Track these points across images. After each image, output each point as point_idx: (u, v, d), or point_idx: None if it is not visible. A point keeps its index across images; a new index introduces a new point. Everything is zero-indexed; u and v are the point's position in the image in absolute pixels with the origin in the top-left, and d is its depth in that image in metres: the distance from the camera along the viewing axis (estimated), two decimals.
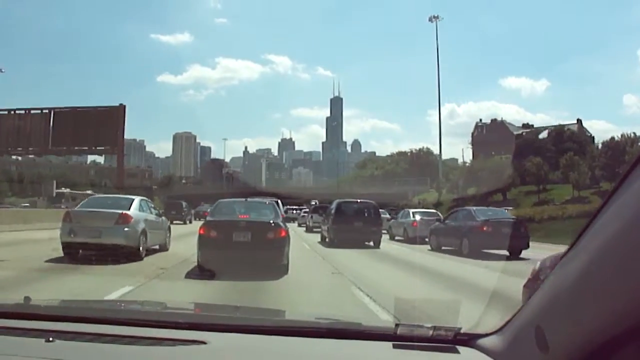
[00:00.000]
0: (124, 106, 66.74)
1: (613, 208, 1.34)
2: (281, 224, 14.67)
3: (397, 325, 2.12)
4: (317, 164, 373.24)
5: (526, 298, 4.69)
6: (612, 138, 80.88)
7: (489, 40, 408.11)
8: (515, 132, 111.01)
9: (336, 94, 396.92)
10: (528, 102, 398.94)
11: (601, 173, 72.36)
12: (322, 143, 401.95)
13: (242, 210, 15.53)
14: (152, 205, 20.42)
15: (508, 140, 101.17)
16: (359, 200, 30.09)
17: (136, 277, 12.43)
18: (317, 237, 31.03)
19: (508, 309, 1.95)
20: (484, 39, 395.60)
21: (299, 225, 51.96)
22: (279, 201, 24.22)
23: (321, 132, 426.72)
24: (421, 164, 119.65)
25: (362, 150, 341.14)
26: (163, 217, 21.05)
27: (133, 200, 18.32)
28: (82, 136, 63.45)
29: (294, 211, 62.81)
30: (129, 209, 17.33)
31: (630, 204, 1.28)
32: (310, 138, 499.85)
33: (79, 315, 2.43)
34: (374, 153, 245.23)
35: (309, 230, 41.68)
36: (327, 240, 27.40)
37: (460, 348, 2.03)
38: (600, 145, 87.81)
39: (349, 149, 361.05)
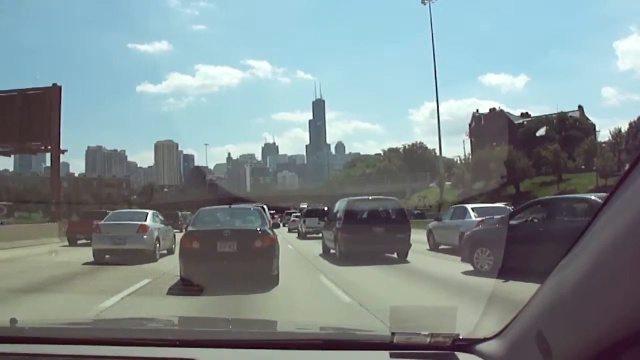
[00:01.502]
0: (60, 87, 53.10)
1: (615, 207, 1.31)
2: (269, 231, 13.87)
3: (393, 333, 2.05)
4: (302, 167, 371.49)
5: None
6: None
7: (467, 38, 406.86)
8: (515, 122, 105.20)
9: (318, 96, 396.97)
10: (508, 98, 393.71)
11: (629, 157, 66.27)
12: (306, 146, 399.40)
13: (227, 218, 14.94)
14: (161, 217, 23.99)
15: (509, 130, 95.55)
16: (375, 198, 23.55)
17: (153, 273, 15.18)
18: (314, 247, 25.43)
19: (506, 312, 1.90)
20: (462, 36, 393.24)
21: (290, 230, 48.45)
22: (265, 207, 21.55)
23: (304, 136, 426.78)
24: (415, 160, 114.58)
25: (347, 152, 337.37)
26: (169, 226, 24.48)
27: (147, 213, 22.58)
28: (0, 130, 49.61)
29: (281, 216, 61.99)
30: (146, 220, 21.53)
31: (632, 203, 1.24)
32: (293, 142, 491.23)
33: (64, 336, 2.36)
34: (359, 154, 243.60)
35: (302, 236, 37.80)
36: (332, 252, 21.04)
37: (459, 354, 1.99)
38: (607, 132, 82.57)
39: (333, 151, 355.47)
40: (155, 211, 23.97)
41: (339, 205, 21.70)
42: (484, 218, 19.15)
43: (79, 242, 31.42)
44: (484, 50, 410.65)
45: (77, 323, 3.97)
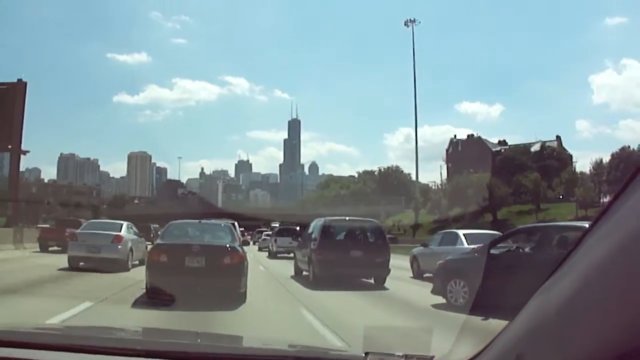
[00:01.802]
0: (25, 83, 50.01)
1: (601, 231, 1.28)
2: (238, 248, 13.88)
3: (366, 354, 2.01)
4: (275, 186, 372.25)
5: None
6: (624, 148, 75.18)
7: (444, 65, 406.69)
8: (493, 149, 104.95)
9: (294, 116, 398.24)
10: (484, 126, 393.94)
11: (610, 188, 65.74)
12: (280, 165, 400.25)
13: (196, 233, 14.77)
14: (134, 229, 24.87)
15: (486, 157, 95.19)
16: (353, 218, 22.21)
17: (124, 282, 15.70)
18: (286, 267, 24.52)
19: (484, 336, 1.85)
20: (438, 63, 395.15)
21: (260, 249, 47.35)
22: (236, 223, 23.27)
23: (278, 155, 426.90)
24: (390, 183, 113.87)
25: (320, 173, 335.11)
26: (143, 238, 25.44)
27: (122, 224, 23.27)
28: None
29: (252, 234, 61.57)
30: (120, 230, 22.31)
31: (624, 222, 1.21)
32: (267, 160, 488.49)
33: (33, 341, 2.29)
34: (331, 175, 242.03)
35: (273, 256, 36.92)
36: (305, 274, 19.94)
37: None
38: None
39: (306, 171, 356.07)
40: (129, 223, 24.70)
41: (315, 225, 20.38)
42: (476, 246, 15.53)
43: (50, 248, 32.31)
44: (460, 78, 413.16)
45: (46, 328, 3.98)
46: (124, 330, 3.42)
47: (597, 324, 1.20)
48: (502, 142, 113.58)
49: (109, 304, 12.48)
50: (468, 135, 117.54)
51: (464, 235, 20.78)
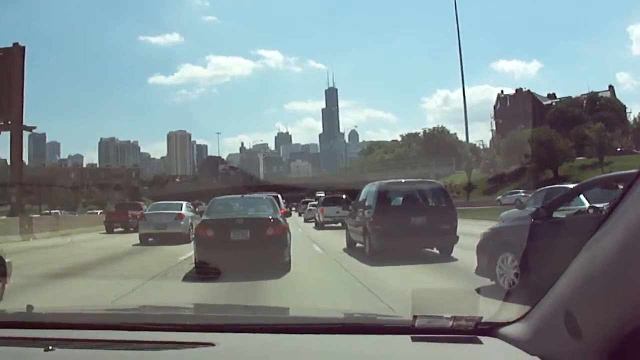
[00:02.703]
0: (23, 48, 44.25)
1: None
2: (281, 219, 14.23)
3: (415, 317, 2.00)
4: (315, 156, 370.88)
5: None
6: None
7: (480, 24, 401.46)
8: (544, 103, 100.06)
9: (330, 85, 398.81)
10: (521, 84, 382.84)
11: None
12: (319, 135, 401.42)
13: (239, 207, 15.32)
14: (191, 207, 28.83)
15: (537, 111, 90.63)
16: (411, 180, 19.65)
17: (189, 252, 15.54)
18: (334, 239, 22.96)
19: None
20: (474, 23, 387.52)
21: (306, 220, 44.88)
22: (279, 196, 25.45)
23: (317, 125, 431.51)
24: (435, 145, 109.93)
25: (360, 140, 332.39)
26: (198, 214, 25.96)
27: (182, 204, 27.46)
28: None
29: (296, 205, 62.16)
30: (181, 209, 26.39)
31: None
32: (306, 131, 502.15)
33: (80, 322, 2.35)
34: (372, 142, 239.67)
35: (320, 226, 34.99)
36: (359, 246, 17.75)
37: (482, 338, 1.94)
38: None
39: (346, 139, 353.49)
40: (188, 202, 28.92)
41: (367, 191, 18.17)
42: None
43: (115, 230, 36.26)
44: (497, 36, 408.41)
45: (94, 308, 3.99)
46: (173, 307, 3.46)
47: None
48: (552, 96, 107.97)
49: (163, 279, 13.23)
50: (517, 90, 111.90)
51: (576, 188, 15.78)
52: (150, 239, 24.65)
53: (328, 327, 2.16)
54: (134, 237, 25.87)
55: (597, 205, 9.41)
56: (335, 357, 1.89)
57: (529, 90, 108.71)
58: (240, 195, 17.12)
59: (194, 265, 13.54)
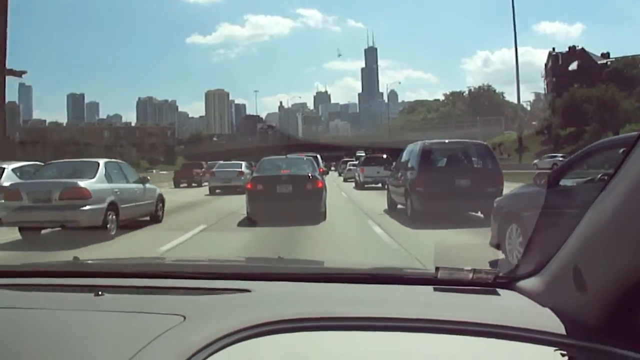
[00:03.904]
0: None
1: None
2: (318, 176, 16.86)
3: (437, 269, 2.06)
4: (354, 115, 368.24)
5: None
6: None
7: None
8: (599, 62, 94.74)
9: (370, 44, 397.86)
10: (564, 47, 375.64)
11: None
12: (358, 94, 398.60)
13: (284, 166, 17.58)
14: (248, 165, 34.88)
15: (592, 70, 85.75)
16: (456, 141, 19.85)
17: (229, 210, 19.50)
18: (373, 200, 22.99)
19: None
20: None
21: (345, 180, 45.20)
22: (318, 156, 27.01)
23: (356, 85, 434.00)
24: (481, 105, 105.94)
25: (399, 101, 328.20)
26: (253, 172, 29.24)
27: (242, 163, 34.99)
28: None
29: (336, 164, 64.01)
30: (241, 168, 33.51)
31: None
32: (345, 91, 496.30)
33: (125, 271, 2.49)
34: (411, 102, 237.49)
35: (360, 187, 34.96)
36: (400, 207, 17.76)
37: (499, 290, 2.02)
38: None
39: (385, 99, 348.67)
40: (245, 162, 35.61)
41: (410, 151, 18.09)
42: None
43: (180, 185, 43.08)
44: None
45: (136, 259, 4.41)
46: (213, 259, 3.59)
47: None
48: (606, 55, 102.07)
49: (220, 226, 16.06)
50: (569, 48, 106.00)
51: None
52: (217, 191, 31.96)
53: (357, 277, 2.26)
54: (200, 191, 34.63)
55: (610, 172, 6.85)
56: (362, 303, 1.92)
57: (582, 49, 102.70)
58: (284, 156, 20.02)
59: (245, 215, 16.37)
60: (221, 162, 39.39)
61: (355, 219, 17.36)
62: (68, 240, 12.53)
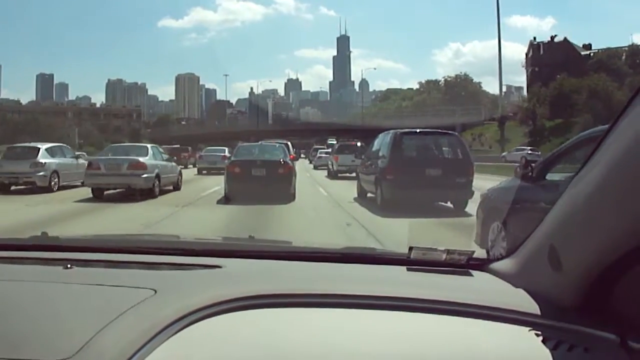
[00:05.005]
0: None
1: (628, 120, 1.30)
2: (289, 161, 19.04)
3: (410, 248, 2.08)
4: (325, 103, 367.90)
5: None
6: None
7: None
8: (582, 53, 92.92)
9: (342, 32, 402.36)
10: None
11: None
12: (329, 83, 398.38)
13: (258, 152, 20.46)
14: (229, 150, 36.90)
15: (575, 61, 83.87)
16: (428, 130, 19.32)
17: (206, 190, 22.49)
18: (347, 188, 22.95)
19: None
20: None
21: (316, 168, 44.68)
22: (289, 143, 30.01)
23: (327, 73, 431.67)
24: (457, 94, 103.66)
25: (370, 90, 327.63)
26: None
27: (225, 149, 40.35)
28: None
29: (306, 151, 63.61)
30: (225, 153, 37.33)
31: None
32: (316, 78, 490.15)
33: (95, 245, 2.54)
34: (382, 91, 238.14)
35: (333, 176, 34.07)
36: (370, 196, 18.29)
37: (473, 272, 2.04)
38: None
39: (357, 88, 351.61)
40: (229, 148, 39.60)
41: (381, 140, 18.44)
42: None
43: None
44: None
45: (106, 235, 4.51)
46: (184, 236, 3.69)
47: (622, 215, 1.27)
48: (587, 46, 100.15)
49: (200, 204, 18.39)
50: (552, 37, 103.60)
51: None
52: (204, 172, 36.43)
53: (329, 257, 2.28)
54: (188, 172, 34.57)
55: None
56: (333, 281, 1.93)
57: (565, 38, 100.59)
58: (259, 143, 24.48)
59: (222, 195, 18.28)
60: (208, 147, 46.62)
61: (325, 205, 18.17)
62: (123, 198, 18.68)
